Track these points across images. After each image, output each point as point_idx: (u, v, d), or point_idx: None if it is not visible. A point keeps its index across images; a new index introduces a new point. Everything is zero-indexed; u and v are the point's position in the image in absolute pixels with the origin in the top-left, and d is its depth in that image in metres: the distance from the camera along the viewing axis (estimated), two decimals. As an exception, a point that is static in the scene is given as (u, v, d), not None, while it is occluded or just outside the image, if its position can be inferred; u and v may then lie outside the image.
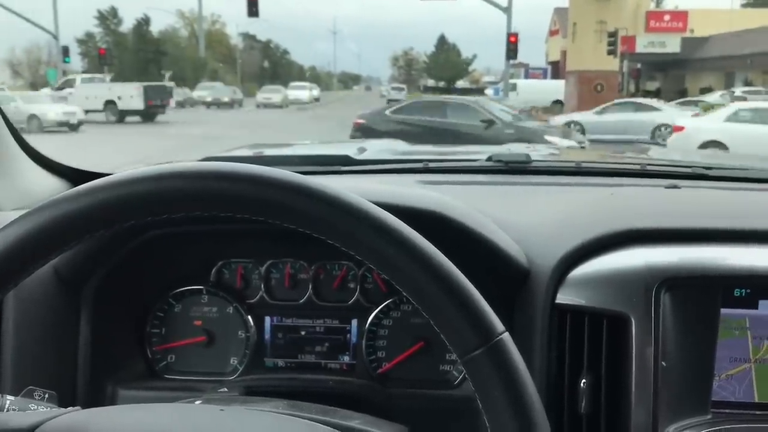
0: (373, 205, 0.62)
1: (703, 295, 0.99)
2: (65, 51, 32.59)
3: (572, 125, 18.43)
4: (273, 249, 1.27)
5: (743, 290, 0.99)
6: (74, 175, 1.50)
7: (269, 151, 2.31)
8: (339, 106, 40.56)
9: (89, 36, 57.16)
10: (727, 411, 0.99)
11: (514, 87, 34.80)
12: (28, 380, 0.90)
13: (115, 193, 0.61)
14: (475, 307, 0.61)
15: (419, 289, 0.62)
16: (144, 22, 55.61)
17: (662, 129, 18.29)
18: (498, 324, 0.62)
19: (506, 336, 0.62)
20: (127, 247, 1.17)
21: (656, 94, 40.42)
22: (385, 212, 0.62)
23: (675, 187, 1.43)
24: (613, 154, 2.36)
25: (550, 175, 1.67)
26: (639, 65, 40.12)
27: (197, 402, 0.93)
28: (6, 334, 1.10)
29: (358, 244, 0.62)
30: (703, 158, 2.44)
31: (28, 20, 27.10)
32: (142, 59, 52.36)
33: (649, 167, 1.68)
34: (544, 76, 49.11)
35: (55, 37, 31.47)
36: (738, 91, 29.72)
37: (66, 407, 0.74)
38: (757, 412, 0.99)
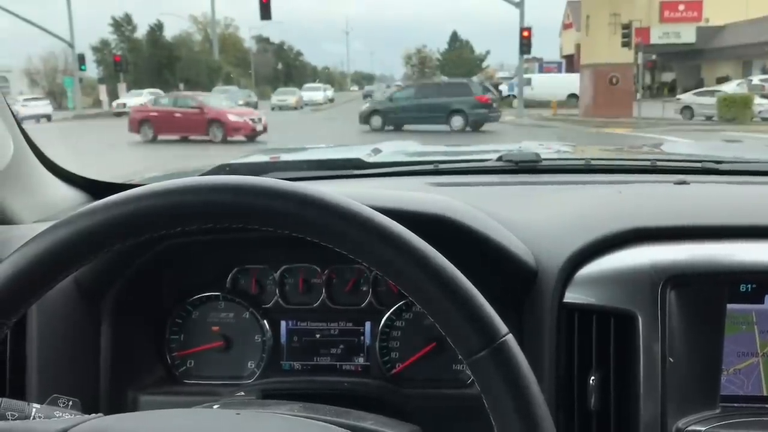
0: (375, 212, 0.64)
1: (709, 292, 1.01)
2: (81, 59, 32.86)
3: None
4: (286, 255, 1.29)
5: (749, 285, 1.00)
6: (92, 187, 1.53)
7: (284, 156, 2.34)
8: (354, 106, 40.62)
9: (104, 43, 57.50)
10: (735, 405, 1.00)
11: (528, 82, 34.64)
12: (53, 389, 0.94)
13: (128, 208, 0.63)
14: (478, 309, 0.63)
15: (423, 293, 0.63)
16: (157, 28, 55.94)
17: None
18: (501, 326, 0.63)
19: (510, 337, 0.63)
20: (145, 257, 1.20)
21: (672, 85, 40.18)
22: (387, 218, 0.64)
23: (684, 183, 1.44)
24: (624, 151, 2.36)
25: (560, 174, 1.68)
26: (654, 56, 39.77)
27: (215, 406, 0.95)
28: (30, 345, 1.13)
29: (362, 251, 0.64)
30: (714, 151, 2.43)
31: (44, 29, 27.35)
32: (156, 65, 52.70)
33: (659, 163, 1.69)
34: (559, 70, 48.79)
35: (71, 45, 31.74)
36: (756, 79, 29.40)
37: (89, 414, 0.76)
38: (767, 406, 1.00)
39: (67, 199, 1.47)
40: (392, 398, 1.21)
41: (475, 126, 21.12)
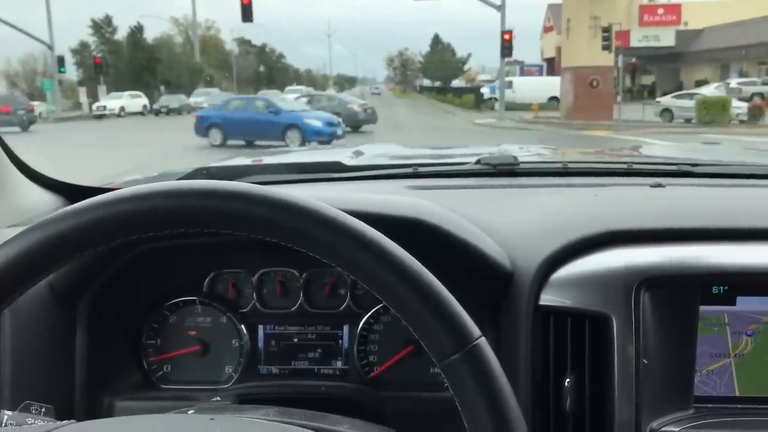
0: (347, 215, 0.64)
1: (682, 294, 1.02)
2: (61, 61, 32.61)
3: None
4: (264, 259, 1.29)
5: (721, 287, 1.02)
6: (68, 191, 1.52)
7: (264, 159, 2.33)
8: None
9: (84, 45, 57.05)
10: (709, 405, 1.01)
11: (509, 84, 34.83)
12: (26, 395, 0.93)
13: (101, 213, 0.63)
14: (451, 313, 0.63)
15: (396, 297, 0.64)
16: (138, 30, 55.51)
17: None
18: (474, 329, 0.64)
19: (482, 341, 0.64)
20: (121, 261, 1.19)
21: (652, 87, 40.59)
22: (360, 222, 0.64)
23: (659, 185, 1.45)
24: (601, 153, 2.38)
25: (537, 177, 1.69)
26: (634, 59, 40.22)
27: (190, 412, 0.95)
28: (3, 350, 1.12)
29: (336, 255, 0.64)
30: (691, 154, 2.46)
31: (23, 31, 27.09)
32: (137, 67, 52.34)
33: (635, 166, 1.70)
34: (540, 73, 49.15)
35: (51, 47, 31.49)
36: (733, 82, 29.80)
37: (63, 420, 0.76)
38: (739, 406, 1.02)
39: (42, 203, 1.45)
40: (370, 402, 1.21)
41: (22, 126, 24.87)
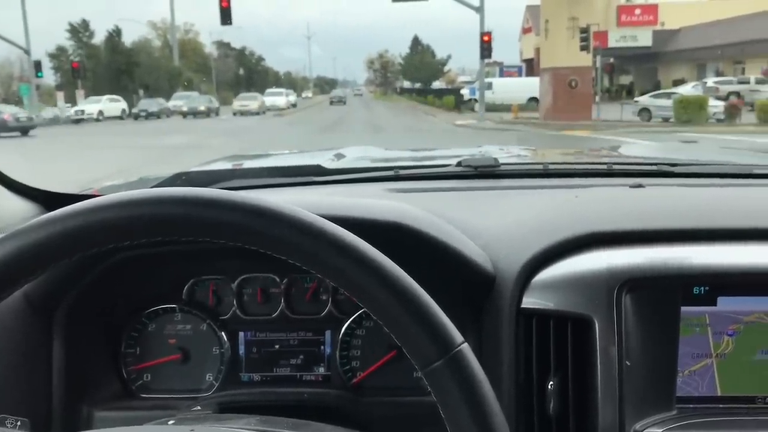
0: (326, 221, 0.63)
1: (664, 295, 1.02)
2: (38, 66, 32.29)
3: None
4: (244, 265, 1.28)
5: (702, 288, 1.02)
6: (45, 198, 1.49)
7: (244, 164, 2.31)
8: (316, 110, 40.53)
9: (61, 50, 56.53)
10: (691, 406, 1.02)
11: (489, 86, 34.95)
12: (1, 408, 0.91)
13: (77, 222, 0.62)
14: (434, 319, 0.63)
15: (377, 303, 0.63)
16: (116, 34, 55.12)
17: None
18: (456, 335, 0.63)
19: (465, 347, 0.63)
20: (98, 269, 1.17)
21: (630, 87, 40.95)
22: (339, 227, 0.63)
23: (639, 186, 1.45)
24: (581, 154, 2.39)
25: (518, 178, 1.69)
26: (612, 60, 40.57)
27: (170, 422, 0.93)
28: None
29: (315, 262, 0.63)
30: (670, 154, 2.47)
31: (-2, 36, 26.81)
32: (115, 71, 51.97)
33: (615, 166, 1.71)
34: (519, 74, 49.38)
35: (27, 51, 31.16)
36: (710, 81, 30.14)
37: None
38: (721, 406, 1.02)
39: (17, 211, 1.43)
40: (353, 408, 1.20)
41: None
